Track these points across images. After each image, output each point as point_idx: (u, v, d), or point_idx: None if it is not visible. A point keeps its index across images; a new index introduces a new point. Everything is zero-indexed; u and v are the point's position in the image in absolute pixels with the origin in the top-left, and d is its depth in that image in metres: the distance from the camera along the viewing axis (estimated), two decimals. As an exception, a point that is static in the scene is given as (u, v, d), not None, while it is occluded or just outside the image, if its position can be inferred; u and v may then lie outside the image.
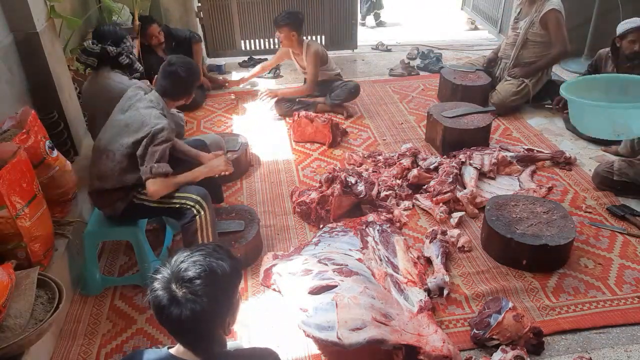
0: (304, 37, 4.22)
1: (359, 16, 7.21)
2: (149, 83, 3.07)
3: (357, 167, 3.49)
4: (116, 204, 2.41)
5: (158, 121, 2.28)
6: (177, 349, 1.37)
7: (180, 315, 1.24)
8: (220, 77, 5.07)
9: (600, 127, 2.78)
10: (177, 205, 2.36)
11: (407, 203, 3.14)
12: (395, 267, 2.52)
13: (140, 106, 2.35)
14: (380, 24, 7.30)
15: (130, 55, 3.04)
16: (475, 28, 6.87)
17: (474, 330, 2.22)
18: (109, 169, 2.34)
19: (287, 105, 4.31)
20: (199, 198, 2.36)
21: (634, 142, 3.35)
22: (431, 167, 3.33)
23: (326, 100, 4.27)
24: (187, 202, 2.35)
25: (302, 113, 3.88)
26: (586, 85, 2.97)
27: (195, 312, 1.24)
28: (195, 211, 2.34)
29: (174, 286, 1.26)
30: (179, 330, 1.30)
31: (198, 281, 1.26)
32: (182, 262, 1.30)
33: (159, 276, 1.29)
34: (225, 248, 1.44)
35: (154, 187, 2.29)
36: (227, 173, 2.58)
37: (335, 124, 3.86)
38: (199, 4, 5.28)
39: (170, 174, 2.33)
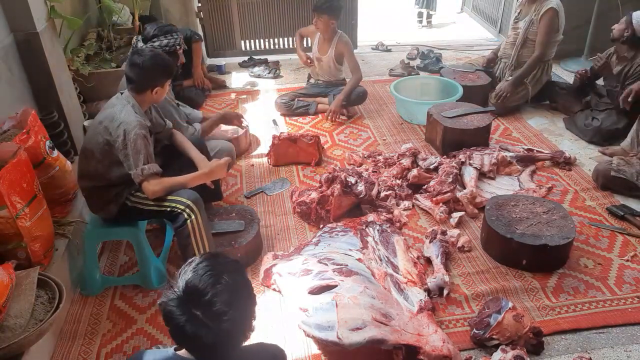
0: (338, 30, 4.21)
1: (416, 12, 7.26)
2: None
3: (357, 167, 3.49)
4: (109, 206, 2.40)
5: (127, 118, 2.23)
6: (183, 351, 1.36)
7: (218, 335, 1.22)
8: (221, 78, 5.08)
9: (407, 114, 4.25)
10: (169, 209, 2.35)
11: (407, 203, 3.14)
12: (395, 267, 2.52)
13: (116, 103, 2.32)
14: (429, 24, 7.23)
15: None
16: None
17: (474, 330, 2.22)
18: (92, 168, 2.34)
19: (287, 104, 4.31)
20: (189, 202, 2.34)
21: (635, 137, 3.37)
22: (431, 167, 3.33)
23: (329, 100, 4.27)
24: (178, 205, 2.33)
25: (285, 134, 3.59)
26: (404, 84, 4.37)
27: (229, 329, 1.23)
28: (186, 215, 2.32)
29: (198, 313, 1.22)
30: (213, 349, 1.26)
31: (217, 299, 1.23)
32: (194, 285, 1.24)
33: (174, 308, 1.23)
34: (223, 255, 1.40)
35: (152, 188, 2.28)
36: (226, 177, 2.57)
37: (319, 141, 3.64)
38: (199, 4, 5.28)
39: (161, 173, 2.32)
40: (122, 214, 2.42)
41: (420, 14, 7.21)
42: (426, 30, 7.08)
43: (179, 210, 2.33)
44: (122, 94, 2.36)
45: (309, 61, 4.36)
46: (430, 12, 7.11)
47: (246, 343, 1.39)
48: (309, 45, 4.51)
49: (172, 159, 2.64)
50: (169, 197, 2.35)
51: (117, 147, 2.24)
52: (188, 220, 2.32)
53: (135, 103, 2.32)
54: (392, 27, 7.13)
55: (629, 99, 3.42)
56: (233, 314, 1.23)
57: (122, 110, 2.26)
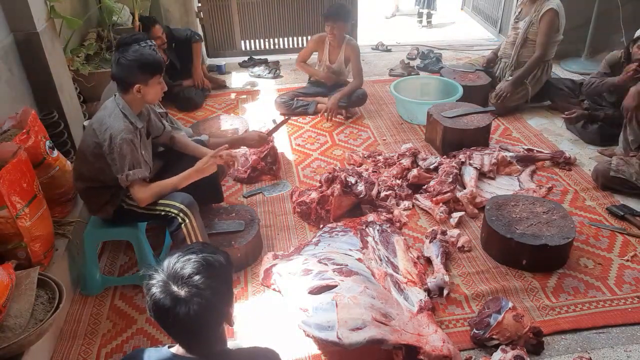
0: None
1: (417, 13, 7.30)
2: None
3: (357, 167, 3.49)
4: (106, 207, 2.39)
5: (115, 122, 2.21)
6: (177, 348, 1.37)
7: (188, 312, 1.23)
8: (221, 78, 5.08)
9: (407, 114, 4.25)
10: (162, 213, 2.33)
11: (407, 203, 3.14)
12: (395, 267, 2.52)
13: (108, 105, 2.31)
14: (429, 24, 7.24)
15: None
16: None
17: (474, 330, 2.22)
18: (86, 170, 2.34)
19: (287, 103, 4.31)
20: (182, 206, 2.31)
21: (627, 146, 3.38)
22: (431, 167, 3.33)
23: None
24: (171, 210, 2.31)
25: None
26: (405, 84, 4.36)
27: (202, 306, 1.24)
28: (180, 219, 2.31)
29: (174, 287, 1.26)
30: (186, 329, 1.28)
31: (197, 276, 1.26)
32: (175, 263, 1.30)
33: (154, 282, 1.28)
34: (211, 244, 1.44)
35: (140, 195, 2.26)
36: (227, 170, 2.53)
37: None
38: (199, 4, 5.28)
39: (147, 179, 2.30)
40: (119, 216, 2.42)
41: (420, 14, 7.22)
42: (426, 30, 7.09)
43: (173, 215, 2.31)
44: (115, 96, 2.34)
45: (329, 73, 4.30)
46: (431, 12, 7.12)
47: (241, 346, 1.39)
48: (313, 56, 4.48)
49: (173, 162, 2.64)
50: (161, 202, 2.33)
51: (104, 150, 2.22)
52: (182, 225, 2.31)
53: (125, 105, 2.27)
54: (392, 27, 7.14)
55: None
56: (207, 290, 1.26)
57: (110, 114, 2.24)
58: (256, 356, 1.50)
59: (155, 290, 1.27)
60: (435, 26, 7.18)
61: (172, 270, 1.28)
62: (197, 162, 2.44)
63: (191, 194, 2.41)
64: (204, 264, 1.29)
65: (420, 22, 7.24)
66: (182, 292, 1.25)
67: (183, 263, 1.29)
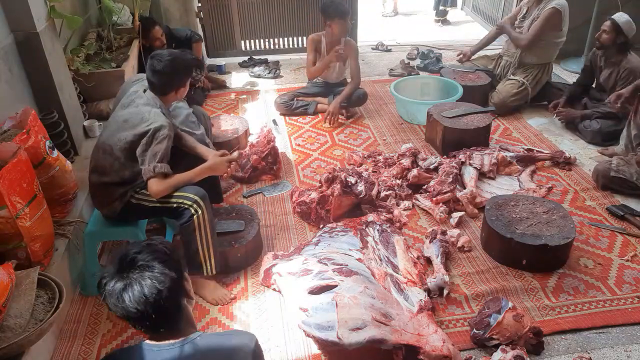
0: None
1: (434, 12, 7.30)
2: None
3: (357, 167, 3.49)
4: (114, 203, 2.40)
5: (158, 119, 2.27)
6: (150, 340, 1.38)
7: (142, 290, 1.27)
8: (221, 78, 5.08)
9: (407, 114, 4.26)
10: (175, 205, 2.35)
11: (407, 203, 3.14)
12: (395, 267, 2.52)
13: (140, 102, 2.35)
14: (445, 22, 7.23)
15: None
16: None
17: (474, 330, 2.22)
18: (108, 164, 2.35)
19: (286, 103, 4.31)
20: (196, 197, 2.35)
21: (629, 142, 3.37)
22: (431, 167, 3.33)
23: (329, 100, 4.27)
24: (185, 201, 2.34)
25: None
26: (405, 84, 4.36)
27: (157, 280, 1.29)
28: (193, 211, 2.33)
29: (124, 274, 1.30)
30: (150, 310, 1.30)
31: (140, 255, 1.32)
32: (119, 257, 1.34)
33: (105, 280, 1.32)
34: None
35: (157, 187, 2.29)
36: (229, 173, 2.56)
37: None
38: (199, 4, 5.28)
39: (170, 174, 2.33)
40: (126, 211, 2.42)
41: (437, 6, 7.17)
42: (439, 27, 7.07)
43: (186, 206, 2.34)
44: (144, 91, 2.39)
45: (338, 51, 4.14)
46: (447, 9, 7.10)
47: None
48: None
49: (178, 159, 2.64)
50: (176, 193, 2.36)
51: (143, 142, 2.26)
52: (195, 216, 2.33)
53: (161, 103, 2.38)
54: (392, 27, 7.15)
55: (618, 104, 3.40)
56: (153, 262, 1.31)
57: (150, 111, 2.30)
58: (233, 337, 1.45)
59: (109, 285, 1.30)
60: (452, 24, 7.17)
61: (117, 263, 1.33)
62: (209, 159, 2.49)
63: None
64: (144, 245, 1.36)
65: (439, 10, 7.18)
66: (133, 275, 1.29)
67: (125, 252, 1.35)
